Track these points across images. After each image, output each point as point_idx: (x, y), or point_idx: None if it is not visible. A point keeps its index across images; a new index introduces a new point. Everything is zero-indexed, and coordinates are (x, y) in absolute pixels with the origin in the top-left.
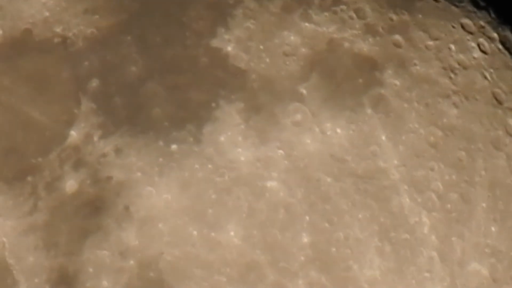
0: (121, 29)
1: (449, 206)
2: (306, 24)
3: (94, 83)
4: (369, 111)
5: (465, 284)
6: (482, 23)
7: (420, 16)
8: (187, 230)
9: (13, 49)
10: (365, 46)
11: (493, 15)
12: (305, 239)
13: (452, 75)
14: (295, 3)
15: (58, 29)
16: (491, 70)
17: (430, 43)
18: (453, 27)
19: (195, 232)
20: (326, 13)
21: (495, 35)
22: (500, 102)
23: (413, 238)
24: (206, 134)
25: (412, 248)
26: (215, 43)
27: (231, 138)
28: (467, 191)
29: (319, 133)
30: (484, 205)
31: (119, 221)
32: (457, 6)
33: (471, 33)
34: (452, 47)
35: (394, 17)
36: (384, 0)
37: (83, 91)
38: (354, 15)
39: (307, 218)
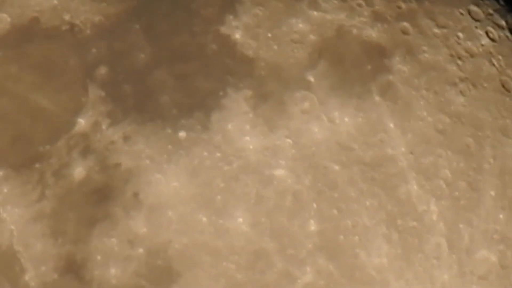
0: (129, 17)
1: (457, 193)
2: (315, 11)
3: (102, 70)
4: (377, 98)
5: (473, 271)
6: (490, 10)
7: (428, 3)
8: (195, 218)
9: (21, 37)
10: (373, 33)
11: (501, 3)
12: (313, 227)
13: (460, 63)
14: None
15: (66, 17)
16: (499, 58)
17: (438, 30)
18: (461, 14)
19: (203, 220)
20: (334, 1)
21: (503, 22)
22: (508, 90)
23: (421, 226)
24: (214, 122)
25: (420, 236)
26: (223, 30)
27: (239, 126)
28: (475, 179)
29: (326, 121)
30: (492, 192)
31: (127, 208)
32: None
33: (479, 20)
34: (460, 34)
35: (402, 4)
36: None
37: (91, 79)
38: (362, 3)
39: (315, 205)
